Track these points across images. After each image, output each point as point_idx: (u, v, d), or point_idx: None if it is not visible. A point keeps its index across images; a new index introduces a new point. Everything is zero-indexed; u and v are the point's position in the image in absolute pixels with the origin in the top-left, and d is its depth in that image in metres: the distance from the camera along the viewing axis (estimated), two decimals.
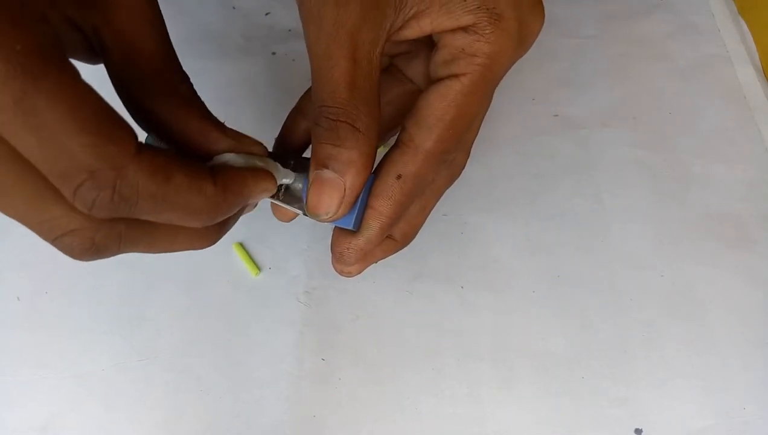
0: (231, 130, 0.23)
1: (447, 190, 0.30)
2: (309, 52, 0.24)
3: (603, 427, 0.34)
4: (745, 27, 0.48)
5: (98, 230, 0.20)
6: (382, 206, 0.26)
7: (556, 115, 0.44)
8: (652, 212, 0.40)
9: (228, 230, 0.25)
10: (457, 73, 0.24)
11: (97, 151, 0.17)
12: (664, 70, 0.46)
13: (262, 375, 0.35)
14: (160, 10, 0.23)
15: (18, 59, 0.16)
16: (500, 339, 0.36)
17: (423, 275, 0.38)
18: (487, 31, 0.24)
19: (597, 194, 0.41)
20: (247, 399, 0.34)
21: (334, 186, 0.24)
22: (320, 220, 0.26)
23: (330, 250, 0.28)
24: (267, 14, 0.49)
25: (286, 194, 0.26)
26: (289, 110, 0.31)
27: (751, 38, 0.47)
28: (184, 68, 0.23)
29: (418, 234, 0.31)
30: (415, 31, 0.25)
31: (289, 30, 0.48)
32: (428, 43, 0.27)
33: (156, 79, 0.22)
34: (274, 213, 0.31)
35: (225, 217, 0.23)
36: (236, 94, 0.44)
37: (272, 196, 0.26)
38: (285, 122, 0.31)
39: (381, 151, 0.27)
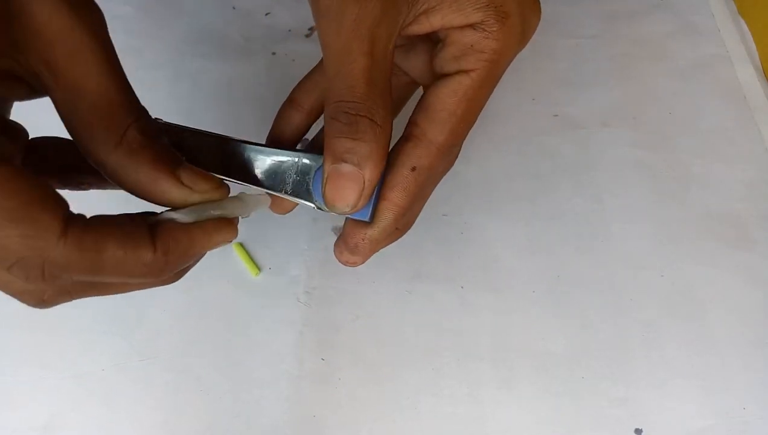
0: (189, 172, 0.23)
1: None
2: (324, 48, 0.24)
3: (603, 427, 0.34)
4: (745, 27, 0.48)
5: (44, 291, 0.21)
6: (398, 198, 0.26)
7: (556, 115, 0.44)
8: (652, 212, 0.40)
9: (188, 271, 0.25)
10: (466, 68, 0.25)
11: (22, 241, 0.19)
12: (664, 70, 0.46)
13: (262, 375, 0.35)
14: (110, 44, 0.22)
15: None
16: (500, 339, 0.36)
17: (423, 275, 0.38)
18: (494, 29, 0.24)
19: (597, 194, 0.41)
20: (247, 399, 0.34)
21: (354, 179, 0.24)
22: (337, 213, 0.26)
23: (334, 244, 0.29)
24: (267, 14, 0.49)
25: (294, 188, 0.27)
26: None
27: (751, 38, 0.47)
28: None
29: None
30: (424, 26, 0.25)
31: (289, 30, 0.48)
32: (424, 38, 0.27)
33: (101, 123, 0.21)
34: (270, 205, 0.31)
35: (176, 273, 0.23)
36: (236, 94, 0.44)
37: (279, 191, 0.26)
38: (277, 117, 0.31)
39: None
